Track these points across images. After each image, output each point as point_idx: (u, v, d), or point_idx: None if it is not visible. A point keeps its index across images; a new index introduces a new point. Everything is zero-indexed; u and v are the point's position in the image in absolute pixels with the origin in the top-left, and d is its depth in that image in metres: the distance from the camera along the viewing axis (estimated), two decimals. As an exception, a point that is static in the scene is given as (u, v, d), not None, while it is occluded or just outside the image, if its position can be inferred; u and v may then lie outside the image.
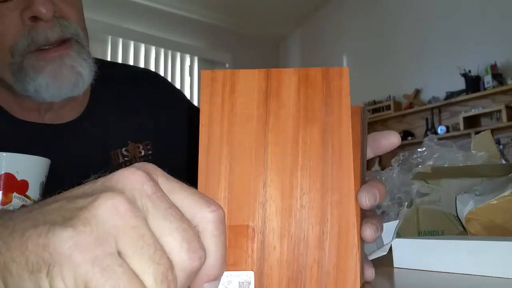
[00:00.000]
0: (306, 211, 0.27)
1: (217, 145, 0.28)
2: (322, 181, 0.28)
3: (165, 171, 0.26)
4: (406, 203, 0.67)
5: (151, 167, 0.24)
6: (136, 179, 0.23)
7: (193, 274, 0.23)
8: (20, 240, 0.20)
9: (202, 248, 0.23)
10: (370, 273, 0.32)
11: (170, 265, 0.22)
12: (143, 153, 0.69)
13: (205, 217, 0.24)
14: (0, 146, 0.60)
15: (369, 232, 0.29)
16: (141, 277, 0.20)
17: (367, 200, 0.29)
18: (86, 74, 0.57)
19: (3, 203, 0.40)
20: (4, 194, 0.40)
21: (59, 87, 0.56)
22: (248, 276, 0.26)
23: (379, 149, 0.36)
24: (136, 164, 0.24)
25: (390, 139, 0.35)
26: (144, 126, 0.71)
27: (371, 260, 0.42)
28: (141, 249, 0.21)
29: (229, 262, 0.27)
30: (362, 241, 0.30)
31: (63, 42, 0.56)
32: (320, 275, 0.26)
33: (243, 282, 0.26)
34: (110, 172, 0.24)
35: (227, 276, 0.26)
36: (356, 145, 0.29)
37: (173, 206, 0.23)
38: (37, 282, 0.19)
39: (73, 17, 0.58)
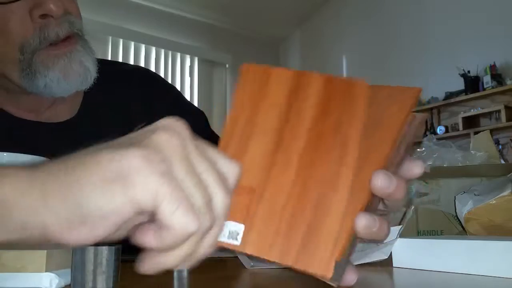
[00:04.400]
0: (305, 186, 0.30)
1: (243, 121, 0.32)
2: (326, 168, 0.30)
3: None
4: (413, 207, 0.66)
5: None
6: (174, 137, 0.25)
7: (226, 212, 0.25)
8: (94, 158, 0.23)
9: None
10: (349, 278, 0.30)
11: (210, 197, 0.24)
12: None
13: (230, 170, 0.27)
14: None
15: (364, 222, 0.29)
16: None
17: (381, 181, 0.29)
18: (92, 68, 0.59)
19: (4, 203, 0.40)
20: (4, 194, 0.40)
21: (70, 81, 0.57)
22: (239, 227, 0.29)
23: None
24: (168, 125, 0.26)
25: (412, 170, 0.34)
26: (138, 124, 0.71)
27: (370, 262, 0.42)
28: (190, 176, 0.24)
29: None
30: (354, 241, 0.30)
31: (69, 37, 0.57)
32: (308, 237, 0.28)
33: (232, 232, 0.29)
34: None
35: None
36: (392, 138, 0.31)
37: (205, 155, 0.26)
38: (112, 193, 0.22)
39: (75, 12, 0.59)
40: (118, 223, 0.22)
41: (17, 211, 0.21)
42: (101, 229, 0.22)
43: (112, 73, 0.70)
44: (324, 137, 0.31)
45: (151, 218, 0.23)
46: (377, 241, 0.35)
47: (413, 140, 0.35)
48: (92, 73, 0.59)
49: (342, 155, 0.30)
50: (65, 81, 0.57)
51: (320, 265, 0.27)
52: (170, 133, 0.24)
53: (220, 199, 0.25)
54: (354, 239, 0.30)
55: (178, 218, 0.22)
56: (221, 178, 0.26)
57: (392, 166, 0.32)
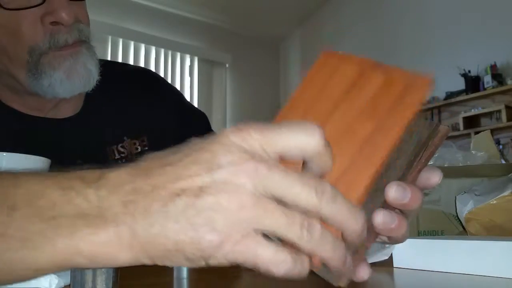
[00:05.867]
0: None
1: (302, 108, 0.32)
2: (343, 170, 0.29)
3: None
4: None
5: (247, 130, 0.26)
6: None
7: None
8: (175, 243, 0.24)
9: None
10: (362, 273, 0.31)
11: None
12: (139, 149, 0.70)
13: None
14: (0, 137, 0.62)
15: (381, 218, 0.29)
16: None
17: (395, 192, 0.29)
18: (95, 71, 0.61)
19: (4, 203, 0.40)
20: (4, 194, 0.40)
21: (73, 83, 0.59)
22: None
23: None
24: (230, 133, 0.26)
25: (430, 179, 0.33)
26: (140, 123, 0.72)
27: (372, 263, 0.42)
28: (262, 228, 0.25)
29: None
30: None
31: (76, 42, 0.59)
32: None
33: None
34: None
35: None
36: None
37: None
38: (195, 263, 0.24)
39: (85, 20, 0.61)
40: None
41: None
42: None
43: (114, 73, 0.71)
44: (356, 138, 0.30)
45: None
46: (396, 241, 0.35)
47: (434, 151, 0.35)
48: (94, 76, 0.61)
49: (366, 158, 0.30)
50: (68, 82, 0.58)
51: None
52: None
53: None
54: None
55: (261, 265, 0.25)
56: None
57: (412, 175, 0.32)
